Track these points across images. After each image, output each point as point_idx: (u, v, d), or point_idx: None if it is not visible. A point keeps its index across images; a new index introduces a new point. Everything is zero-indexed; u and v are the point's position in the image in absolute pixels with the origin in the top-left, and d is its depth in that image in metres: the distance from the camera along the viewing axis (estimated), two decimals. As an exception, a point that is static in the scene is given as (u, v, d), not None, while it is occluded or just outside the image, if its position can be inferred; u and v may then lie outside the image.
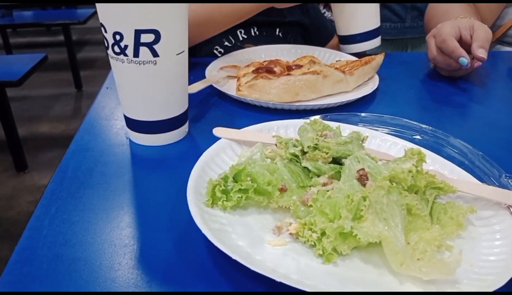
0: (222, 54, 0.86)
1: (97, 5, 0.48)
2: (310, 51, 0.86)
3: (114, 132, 0.58)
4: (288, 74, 0.69)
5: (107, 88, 0.72)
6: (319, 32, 0.90)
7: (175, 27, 0.49)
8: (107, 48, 0.50)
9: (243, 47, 0.86)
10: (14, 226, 1.89)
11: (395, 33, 1.65)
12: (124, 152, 0.54)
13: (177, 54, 0.50)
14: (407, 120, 0.55)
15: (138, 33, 0.46)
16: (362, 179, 0.39)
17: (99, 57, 3.95)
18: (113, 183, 0.48)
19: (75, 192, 0.46)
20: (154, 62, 0.48)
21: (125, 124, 0.57)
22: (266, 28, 0.94)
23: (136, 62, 0.48)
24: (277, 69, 0.75)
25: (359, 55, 0.81)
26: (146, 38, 0.47)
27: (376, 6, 0.84)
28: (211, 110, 0.67)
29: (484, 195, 0.40)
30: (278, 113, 0.65)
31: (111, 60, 0.51)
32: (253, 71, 0.73)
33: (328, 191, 0.38)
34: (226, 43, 0.91)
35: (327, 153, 0.41)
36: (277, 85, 0.66)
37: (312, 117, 0.46)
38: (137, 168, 0.51)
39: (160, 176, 0.50)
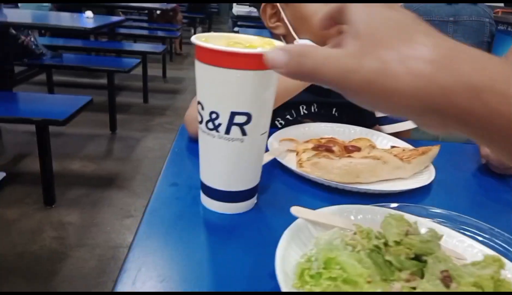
0: (283, 126, 0.91)
1: (198, 86, 0.53)
2: (363, 133, 0.90)
3: (187, 197, 0.61)
4: (349, 156, 0.73)
5: (177, 151, 0.76)
6: (369, 112, 0.95)
7: (264, 111, 0.53)
8: (200, 122, 0.54)
9: (302, 122, 0.91)
10: (35, 261, 1.90)
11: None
12: (198, 217, 0.57)
13: (261, 134, 0.54)
14: (475, 220, 0.56)
15: (233, 114, 0.51)
16: (446, 280, 0.40)
17: (134, 103, 4.12)
18: (191, 250, 0.50)
19: (157, 255, 0.48)
20: (242, 140, 0.52)
21: (196, 189, 0.60)
22: (325, 107, 0.99)
23: (226, 138, 0.52)
24: (335, 148, 0.78)
25: (416, 144, 0.84)
26: (239, 119, 0.51)
27: None
28: (274, 183, 0.69)
29: None
30: (338, 193, 0.67)
31: (201, 133, 0.55)
32: (313, 148, 0.77)
33: (413, 288, 0.40)
34: (288, 116, 0.96)
35: (410, 249, 0.43)
36: (339, 166, 0.69)
37: (392, 211, 0.48)
38: (212, 235, 0.54)
39: (235, 246, 0.52)
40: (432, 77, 0.26)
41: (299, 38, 0.91)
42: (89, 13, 2.95)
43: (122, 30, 5.31)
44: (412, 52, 0.27)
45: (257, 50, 0.50)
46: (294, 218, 0.52)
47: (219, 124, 0.52)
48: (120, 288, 0.43)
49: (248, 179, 0.57)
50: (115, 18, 3.39)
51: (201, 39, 0.53)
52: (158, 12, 6.07)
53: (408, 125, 0.88)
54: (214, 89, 0.51)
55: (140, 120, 3.68)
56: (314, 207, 0.53)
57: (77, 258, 1.95)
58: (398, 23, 0.29)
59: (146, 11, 6.27)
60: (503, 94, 0.25)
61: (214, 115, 0.51)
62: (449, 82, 0.26)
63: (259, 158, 0.57)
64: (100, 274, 1.84)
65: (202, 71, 0.51)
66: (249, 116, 0.51)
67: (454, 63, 0.27)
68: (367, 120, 1.02)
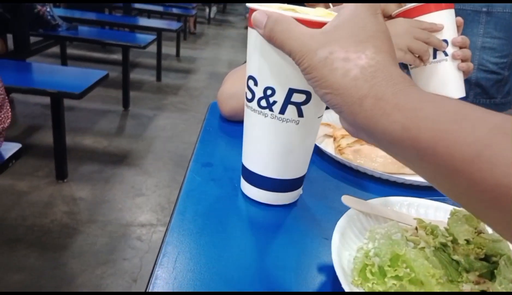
0: None
1: (251, 58, 0.47)
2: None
3: (224, 178, 0.58)
4: (393, 144, 0.68)
5: (208, 130, 0.72)
6: None
7: None
8: (250, 100, 0.49)
9: None
10: (45, 235, 1.89)
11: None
12: (236, 201, 0.53)
13: (318, 117, 0.49)
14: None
15: (291, 92, 0.45)
16: (521, 285, 0.36)
17: (147, 80, 4.08)
18: (231, 236, 0.46)
19: (196, 239, 0.45)
20: (297, 122, 0.47)
21: (233, 171, 0.56)
22: None
23: (280, 119, 0.47)
24: (376, 136, 0.74)
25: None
26: (297, 98, 0.46)
27: (459, 75, 0.81)
28: (313, 170, 0.65)
29: None
30: (381, 183, 0.63)
31: (249, 112, 0.50)
32: (352, 135, 0.73)
33: (481, 291, 0.36)
34: None
35: (481, 249, 0.39)
36: (384, 154, 0.65)
37: (456, 207, 0.44)
38: (252, 221, 0.50)
39: (276, 235, 0.48)
40: (355, 79, 0.32)
41: None
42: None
43: (137, 5, 5.24)
44: (354, 57, 0.33)
45: (324, 18, 0.45)
46: (338, 207, 0.48)
47: (274, 102, 0.46)
48: (160, 272, 0.39)
49: (300, 166, 0.52)
50: (131, -8, 3.32)
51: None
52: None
53: None
54: (272, 62, 0.45)
55: (152, 99, 3.64)
56: (357, 196, 0.49)
57: (88, 234, 1.94)
58: (364, 33, 0.34)
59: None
60: (400, 106, 0.30)
61: (269, 92, 0.46)
62: (364, 89, 0.32)
63: (313, 143, 0.52)
64: (111, 251, 1.82)
65: (257, 41, 0.45)
66: (308, 95, 0.45)
67: (375, 77, 0.32)
68: None
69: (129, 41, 3.08)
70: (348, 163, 0.65)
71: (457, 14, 1.09)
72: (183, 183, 0.55)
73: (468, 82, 1.69)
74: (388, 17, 0.83)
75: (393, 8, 0.83)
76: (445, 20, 0.80)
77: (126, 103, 3.21)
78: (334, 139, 0.73)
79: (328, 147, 0.71)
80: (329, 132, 0.76)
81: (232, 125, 0.75)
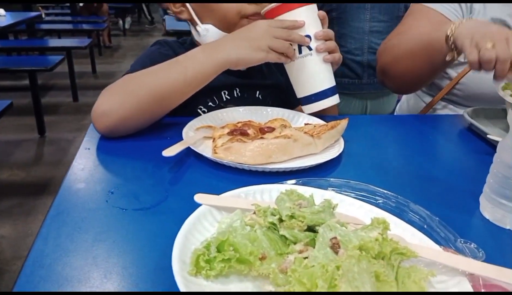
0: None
1: None
2: (280, 113, 0.91)
3: (95, 196, 0.60)
4: (261, 137, 0.74)
5: (87, 149, 0.73)
6: (293, 92, 0.95)
7: None
8: None
9: (225, 108, 0.91)
10: (-34, 281, 1.78)
11: (353, 88, 1.76)
12: (104, 216, 0.56)
13: None
14: (371, 186, 0.60)
15: None
16: (335, 247, 0.43)
17: (63, 102, 3.91)
18: (95, 249, 0.49)
19: (58, 259, 0.47)
20: None
21: (105, 188, 0.58)
22: (247, 90, 0.98)
23: None
24: (250, 131, 0.79)
25: (329, 118, 0.87)
26: None
27: (326, 67, 0.88)
28: (188, 172, 0.69)
29: (441, 260, 0.45)
30: (253, 175, 0.69)
31: None
32: (228, 133, 0.77)
33: (304, 258, 0.42)
34: (210, 103, 0.94)
35: (302, 222, 0.44)
36: (252, 148, 0.70)
37: (288, 187, 0.50)
38: (118, 233, 0.53)
39: (142, 242, 0.51)
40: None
41: (202, 23, 0.90)
42: (0, 11, 2.74)
43: (44, 26, 4.99)
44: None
45: None
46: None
47: None
48: (14, 300, 0.41)
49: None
50: (31, 14, 3.16)
51: None
52: (81, 4, 5.75)
53: (331, 101, 0.89)
54: None
55: (71, 120, 3.50)
56: (227, 190, 0.54)
57: (15, 271, 1.85)
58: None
59: (68, 4, 5.92)
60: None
61: None
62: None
63: None
64: (38, 285, 1.75)
65: None
66: None
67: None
68: (292, 100, 1.04)
69: (34, 65, 2.94)
70: (220, 161, 0.70)
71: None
72: (50, 207, 0.56)
73: (360, 64, 1.82)
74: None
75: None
76: (306, 16, 0.85)
77: (41, 129, 3.06)
78: (213, 140, 0.78)
79: (207, 149, 0.75)
80: (209, 134, 0.80)
81: (110, 142, 0.77)
